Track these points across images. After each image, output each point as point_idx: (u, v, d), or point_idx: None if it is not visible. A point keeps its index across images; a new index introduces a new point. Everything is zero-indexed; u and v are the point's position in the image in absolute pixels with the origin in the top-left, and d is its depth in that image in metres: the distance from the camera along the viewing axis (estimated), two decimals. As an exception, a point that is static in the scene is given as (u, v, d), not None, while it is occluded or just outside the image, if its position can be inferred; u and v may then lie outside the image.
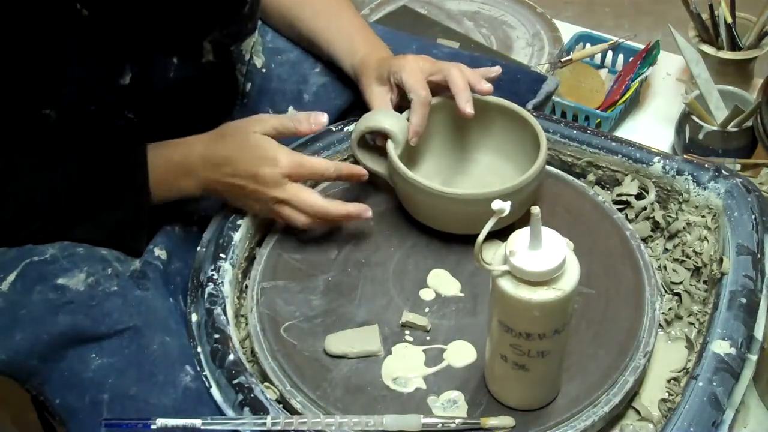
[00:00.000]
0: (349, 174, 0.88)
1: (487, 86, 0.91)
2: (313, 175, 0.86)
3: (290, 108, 1.03)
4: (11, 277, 0.80)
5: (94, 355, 0.78)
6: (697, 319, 0.86)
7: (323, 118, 0.86)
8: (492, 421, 0.74)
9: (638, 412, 0.80)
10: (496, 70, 0.94)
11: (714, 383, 0.74)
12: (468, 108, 0.89)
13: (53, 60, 0.76)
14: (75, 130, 0.82)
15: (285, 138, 0.86)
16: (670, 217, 0.92)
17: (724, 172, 0.92)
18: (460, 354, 0.81)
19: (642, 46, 1.48)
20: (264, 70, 1.04)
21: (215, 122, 0.90)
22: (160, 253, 0.87)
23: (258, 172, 0.83)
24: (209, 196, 0.89)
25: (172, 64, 0.86)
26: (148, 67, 0.83)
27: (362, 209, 0.87)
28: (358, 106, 1.01)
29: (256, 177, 0.84)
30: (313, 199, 0.85)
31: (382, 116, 0.91)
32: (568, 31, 1.57)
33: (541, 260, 0.65)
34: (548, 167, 0.98)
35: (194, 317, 0.83)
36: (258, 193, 0.85)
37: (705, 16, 1.40)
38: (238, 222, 0.90)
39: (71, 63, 0.77)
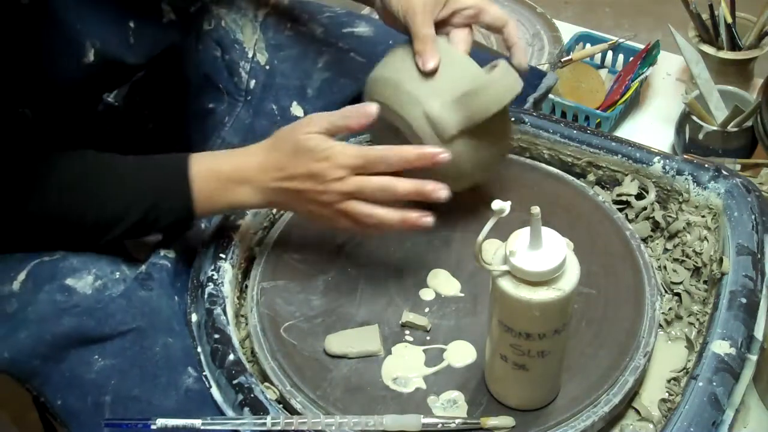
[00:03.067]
0: (419, 156, 0.78)
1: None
2: (376, 162, 0.78)
3: (294, 103, 1.03)
4: (22, 275, 0.80)
5: (96, 357, 0.78)
6: (697, 319, 0.86)
7: (371, 108, 0.79)
8: (492, 421, 0.74)
9: (638, 412, 0.80)
10: None
11: (714, 383, 0.74)
12: (525, 62, 0.89)
13: (17, 55, 0.74)
14: (55, 125, 0.81)
15: (338, 135, 0.80)
16: (670, 217, 0.92)
17: (724, 172, 0.92)
18: (460, 354, 0.81)
19: (642, 46, 1.48)
20: (267, 67, 1.04)
21: (192, 105, 0.86)
22: (167, 252, 0.87)
23: (313, 169, 0.78)
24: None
25: (129, 28, 0.82)
26: (107, 38, 0.80)
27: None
28: (361, 100, 1.01)
29: (313, 175, 0.78)
30: (382, 180, 0.78)
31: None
32: (568, 31, 1.58)
33: (541, 260, 0.65)
34: (548, 167, 0.98)
35: (194, 317, 0.83)
36: (319, 194, 0.78)
37: (705, 16, 1.40)
38: (238, 222, 0.90)
39: (35, 54, 0.75)
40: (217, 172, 0.81)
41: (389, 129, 0.87)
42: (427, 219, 0.78)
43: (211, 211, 0.83)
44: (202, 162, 0.81)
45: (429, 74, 0.83)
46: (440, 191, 0.77)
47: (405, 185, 0.78)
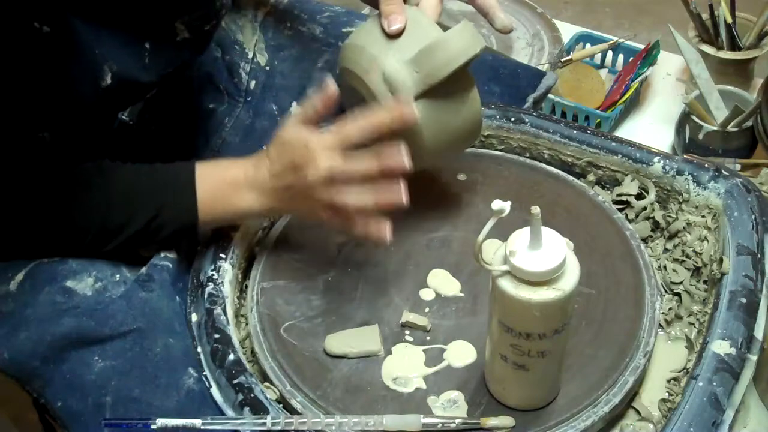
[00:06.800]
0: (388, 111, 0.78)
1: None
2: (350, 136, 0.78)
3: (294, 103, 1.03)
4: (19, 276, 0.80)
5: (96, 358, 0.78)
6: (697, 319, 0.86)
7: (330, 86, 0.79)
8: (492, 421, 0.74)
9: (638, 412, 0.80)
10: None
11: (714, 383, 0.74)
12: (507, 21, 0.88)
13: (38, 82, 0.74)
14: (71, 145, 0.81)
15: (317, 124, 0.80)
16: (670, 217, 0.92)
17: (724, 172, 0.92)
18: (460, 354, 0.81)
19: (642, 46, 1.48)
20: (267, 68, 1.04)
21: (210, 115, 0.87)
22: (167, 253, 0.87)
23: (294, 160, 0.78)
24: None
25: (145, 50, 0.83)
26: (124, 61, 0.81)
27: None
28: None
29: (295, 166, 0.78)
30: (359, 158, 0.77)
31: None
32: (568, 31, 1.57)
33: (541, 260, 0.65)
34: (548, 167, 0.98)
35: (194, 317, 0.83)
36: (303, 186, 0.78)
37: (705, 16, 1.40)
38: (238, 222, 0.90)
39: (55, 80, 0.75)
40: (221, 177, 0.82)
41: (354, 96, 0.87)
42: (400, 189, 0.77)
43: (214, 217, 0.83)
44: (207, 167, 0.82)
45: (393, 37, 0.83)
46: (401, 153, 0.76)
47: (368, 157, 0.77)
